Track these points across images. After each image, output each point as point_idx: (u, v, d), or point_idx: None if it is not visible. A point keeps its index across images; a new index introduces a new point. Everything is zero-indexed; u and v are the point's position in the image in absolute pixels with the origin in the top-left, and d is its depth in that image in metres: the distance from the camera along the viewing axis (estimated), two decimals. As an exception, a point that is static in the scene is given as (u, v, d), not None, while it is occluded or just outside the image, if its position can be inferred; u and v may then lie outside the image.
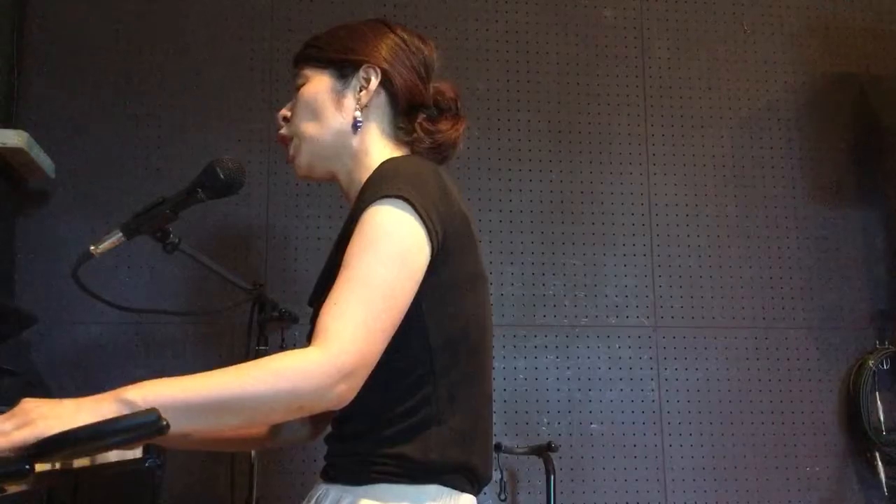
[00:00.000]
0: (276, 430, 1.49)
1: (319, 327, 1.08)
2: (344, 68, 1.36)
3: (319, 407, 1.07)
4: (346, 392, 1.06)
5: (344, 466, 1.24)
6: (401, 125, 1.37)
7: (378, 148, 1.34)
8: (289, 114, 1.41)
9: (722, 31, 2.81)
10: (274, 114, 1.44)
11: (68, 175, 2.40)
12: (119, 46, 2.51)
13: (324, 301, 1.12)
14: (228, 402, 1.01)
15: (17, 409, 0.99)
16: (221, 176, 1.54)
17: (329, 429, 1.32)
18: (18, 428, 0.93)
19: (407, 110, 1.36)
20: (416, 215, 1.15)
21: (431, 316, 1.20)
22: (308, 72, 1.38)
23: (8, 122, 2.30)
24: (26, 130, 2.15)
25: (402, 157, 1.33)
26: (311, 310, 1.31)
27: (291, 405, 1.04)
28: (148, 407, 0.93)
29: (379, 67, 1.34)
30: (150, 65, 2.51)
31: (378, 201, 1.16)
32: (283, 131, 1.41)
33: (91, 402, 0.98)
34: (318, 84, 1.36)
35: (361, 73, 1.34)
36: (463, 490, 1.23)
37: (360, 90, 1.34)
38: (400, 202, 1.15)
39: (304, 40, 1.43)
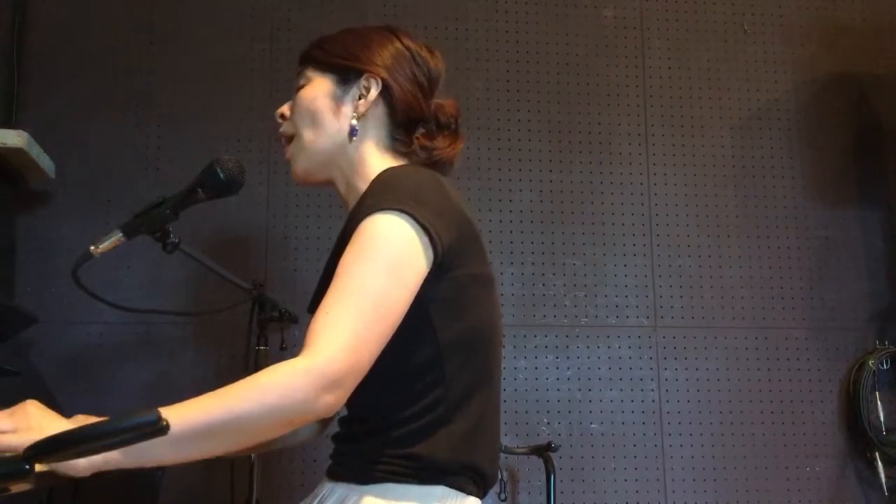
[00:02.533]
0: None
1: (309, 336, 1.08)
2: (346, 75, 1.35)
3: (308, 418, 1.07)
4: (333, 402, 1.05)
5: (350, 465, 1.24)
6: (398, 137, 1.36)
7: (375, 158, 1.34)
8: (288, 112, 1.41)
9: (722, 31, 2.81)
10: (274, 113, 1.44)
11: (68, 175, 2.40)
12: (119, 46, 2.51)
13: None
14: (218, 426, 1.00)
15: (19, 410, 0.99)
16: (221, 176, 1.54)
17: (336, 428, 1.32)
18: (14, 432, 0.93)
19: (405, 123, 1.36)
20: (417, 225, 1.15)
21: (441, 320, 1.20)
22: (310, 73, 1.38)
23: (8, 122, 2.30)
24: (26, 130, 2.15)
25: (402, 166, 1.32)
26: (309, 316, 1.31)
27: (281, 420, 1.03)
28: None
29: (380, 77, 1.34)
30: (150, 65, 2.51)
31: (376, 212, 1.16)
32: (282, 129, 1.42)
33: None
34: (318, 88, 1.36)
35: (362, 82, 1.34)
36: (469, 493, 1.23)
37: (360, 98, 1.34)
38: (398, 214, 1.15)
39: (305, 40, 1.43)
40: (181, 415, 0.99)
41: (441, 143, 1.37)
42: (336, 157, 1.35)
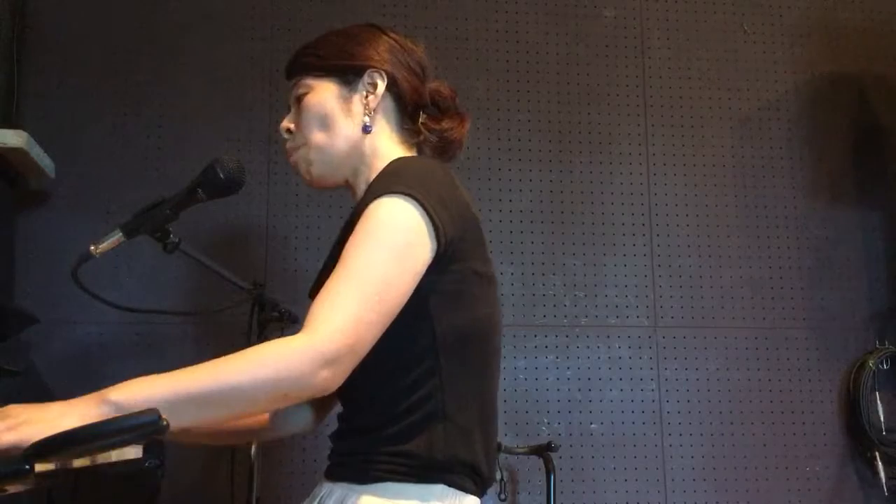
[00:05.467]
0: (277, 420, 1.49)
1: (310, 314, 1.09)
2: (347, 74, 1.36)
3: (304, 394, 1.08)
4: (330, 378, 1.06)
5: (349, 465, 1.24)
6: (407, 126, 1.38)
7: (389, 151, 1.35)
8: (292, 125, 1.39)
9: (722, 31, 2.81)
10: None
11: (68, 175, 2.40)
12: (119, 46, 2.51)
13: None
14: (212, 394, 1.02)
15: (3, 411, 0.99)
16: (221, 176, 1.54)
17: (333, 426, 1.32)
18: (10, 429, 0.94)
19: (412, 112, 1.38)
20: (423, 211, 1.16)
21: (439, 313, 1.20)
22: (309, 81, 1.37)
23: (8, 122, 2.30)
24: (26, 130, 2.15)
25: (411, 156, 1.34)
26: (310, 303, 1.32)
27: (275, 393, 1.05)
28: (132, 405, 0.95)
29: (383, 70, 1.35)
30: (150, 65, 2.51)
31: (383, 196, 1.16)
32: (289, 144, 1.40)
33: (76, 404, 1.00)
34: (324, 92, 1.36)
35: (366, 79, 1.35)
36: (467, 491, 1.23)
37: (367, 95, 1.34)
38: (406, 198, 1.16)
39: (305, 40, 1.43)
40: (177, 381, 1.01)
41: (448, 123, 1.39)
42: (351, 156, 1.36)
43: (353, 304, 1.08)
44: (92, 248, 1.52)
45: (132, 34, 2.52)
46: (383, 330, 1.12)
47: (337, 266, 1.13)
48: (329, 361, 1.05)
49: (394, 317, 1.13)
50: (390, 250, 1.13)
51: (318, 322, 1.07)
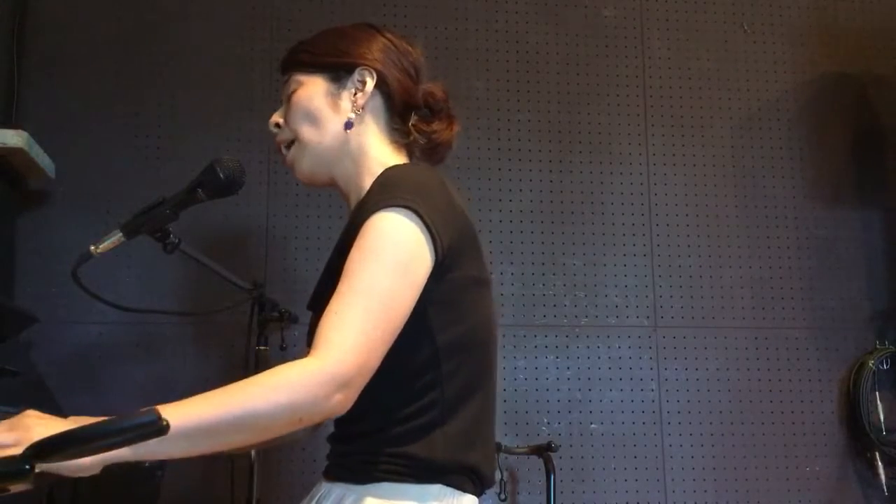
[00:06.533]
0: None
1: (318, 336, 1.09)
2: (337, 71, 1.36)
3: (318, 417, 1.08)
4: (343, 401, 1.07)
5: (348, 465, 1.24)
6: (396, 126, 1.38)
7: (377, 150, 1.35)
8: (281, 120, 1.40)
9: (722, 31, 2.81)
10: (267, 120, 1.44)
11: (68, 175, 2.40)
12: (119, 46, 2.51)
13: (324, 308, 1.12)
14: (228, 422, 1.01)
15: (18, 421, 0.99)
16: (221, 176, 1.54)
17: (332, 428, 1.32)
18: (16, 444, 0.93)
19: (402, 112, 1.37)
20: (421, 224, 1.15)
21: (438, 321, 1.20)
22: (300, 77, 1.38)
23: (8, 122, 2.30)
24: (26, 130, 2.14)
25: (405, 165, 1.33)
26: (310, 312, 1.31)
27: (291, 418, 1.04)
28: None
29: (373, 69, 1.35)
30: (150, 65, 2.51)
31: (382, 210, 1.16)
32: (278, 138, 1.41)
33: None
34: (313, 88, 1.36)
35: (356, 76, 1.35)
36: (465, 491, 1.23)
37: (356, 93, 1.34)
38: (404, 211, 1.15)
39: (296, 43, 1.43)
40: (190, 410, 1.00)
41: (438, 126, 1.39)
42: (340, 153, 1.35)
43: (361, 324, 1.08)
44: (92, 248, 1.52)
45: (132, 34, 2.52)
46: (389, 346, 1.12)
47: (340, 284, 1.13)
48: (341, 385, 1.05)
49: (398, 332, 1.13)
50: (393, 266, 1.13)
51: (328, 345, 1.07)
